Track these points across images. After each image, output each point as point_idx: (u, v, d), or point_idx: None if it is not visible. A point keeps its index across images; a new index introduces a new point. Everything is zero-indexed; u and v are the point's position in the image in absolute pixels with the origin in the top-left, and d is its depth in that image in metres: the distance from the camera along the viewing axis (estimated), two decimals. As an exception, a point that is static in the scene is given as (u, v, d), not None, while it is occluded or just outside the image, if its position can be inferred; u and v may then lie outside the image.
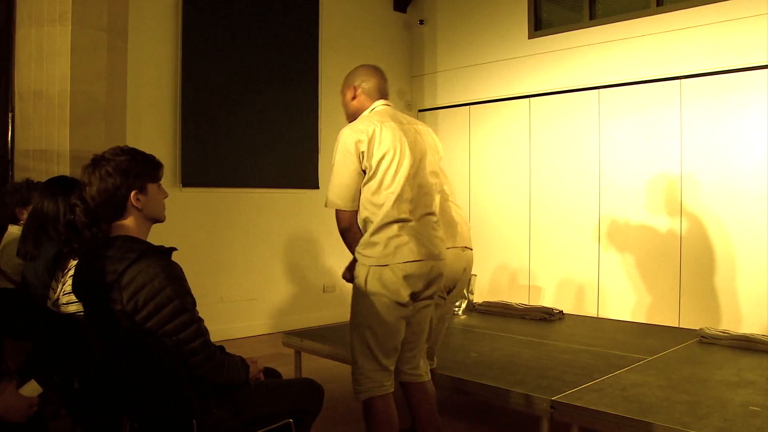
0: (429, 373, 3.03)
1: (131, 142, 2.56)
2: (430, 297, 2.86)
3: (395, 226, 2.68)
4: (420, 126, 2.98)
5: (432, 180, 2.84)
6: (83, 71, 4.58)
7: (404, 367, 2.93)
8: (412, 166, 2.74)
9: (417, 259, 2.68)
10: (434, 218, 2.83)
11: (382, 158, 2.70)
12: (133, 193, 2.18)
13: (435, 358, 3.33)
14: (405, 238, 2.68)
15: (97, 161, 2.18)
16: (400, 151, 2.73)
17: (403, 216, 2.69)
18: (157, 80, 5.79)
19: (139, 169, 2.20)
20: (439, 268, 2.79)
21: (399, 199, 2.69)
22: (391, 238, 2.66)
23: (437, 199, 2.89)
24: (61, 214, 3.03)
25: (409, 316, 2.78)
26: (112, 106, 4.80)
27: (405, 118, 2.97)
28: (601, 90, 6.25)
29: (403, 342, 2.81)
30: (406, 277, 2.66)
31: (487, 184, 7.11)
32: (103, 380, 2.17)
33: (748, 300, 5.28)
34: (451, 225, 3.24)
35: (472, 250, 3.39)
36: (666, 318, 5.71)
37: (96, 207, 2.17)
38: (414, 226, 2.71)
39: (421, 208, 2.76)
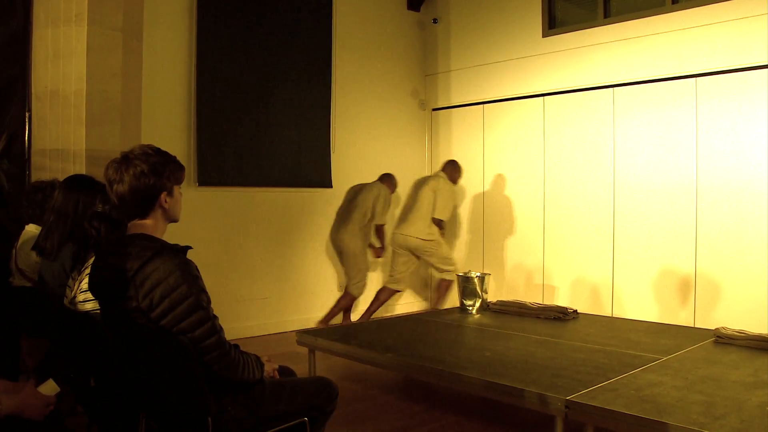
0: None
1: (146, 141, 2.57)
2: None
3: None
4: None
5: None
6: (99, 71, 4.60)
7: None
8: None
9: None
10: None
11: None
12: (163, 194, 2.20)
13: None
14: None
15: (130, 159, 2.17)
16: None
17: None
18: (172, 79, 5.82)
19: (170, 171, 2.22)
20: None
21: None
22: None
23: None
24: (80, 212, 3.05)
25: None
26: (127, 105, 4.83)
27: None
28: (615, 88, 6.21)
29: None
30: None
31: (501, 183, 7.09)
32: (120, 378, 2.18)
33: (765, 300, 5.23)
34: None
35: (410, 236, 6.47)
36: (681, 318, 5.68)
37: (122, 204, 2.18)
38: None
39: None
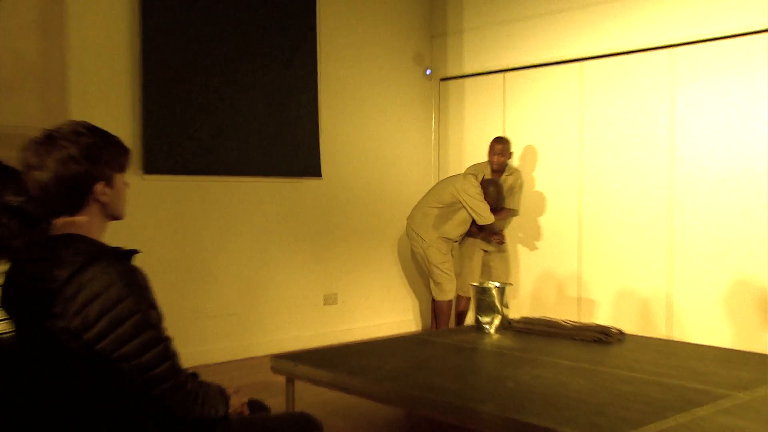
0: None
1: (77, 117, 2.55)
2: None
3: None
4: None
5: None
6: (7, 24, 4.53)
7: None
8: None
9: None
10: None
11: None
12: (99, 185, 2.16)
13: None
14: None
15: (54, 139, 2.13)
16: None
17: None
18: (109, 38, 5.74)
19: (109, 155, 2.19)
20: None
21: None
22: None
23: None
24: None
25: None
26: (47, 69, 4.76)
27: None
28: (675, 49, 6.17)
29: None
30: None
31: (525, 170, 7.07)
32: (37, 418, 2.14)
33: None
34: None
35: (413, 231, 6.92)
36: (762, 343, 5.63)
37: (46, 198, 2.14)
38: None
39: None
